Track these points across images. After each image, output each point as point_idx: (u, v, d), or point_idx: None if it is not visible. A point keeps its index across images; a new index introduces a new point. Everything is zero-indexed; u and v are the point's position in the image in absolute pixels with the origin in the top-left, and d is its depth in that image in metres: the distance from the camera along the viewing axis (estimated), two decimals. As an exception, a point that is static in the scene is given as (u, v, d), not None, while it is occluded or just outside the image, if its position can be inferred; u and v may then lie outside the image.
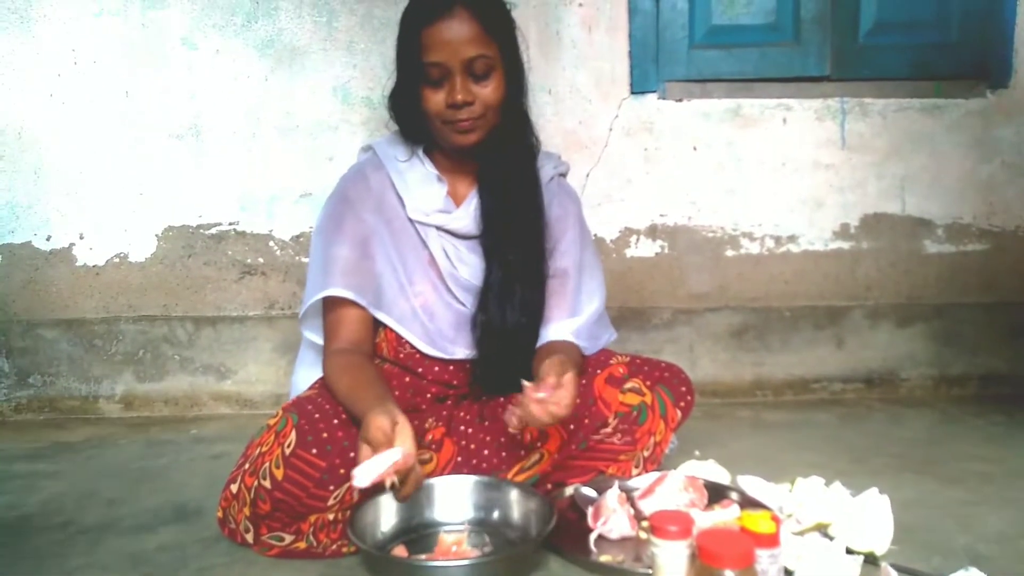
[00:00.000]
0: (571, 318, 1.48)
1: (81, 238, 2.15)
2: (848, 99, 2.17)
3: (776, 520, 0.97)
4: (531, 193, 1.47)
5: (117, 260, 2.17)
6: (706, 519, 1.20)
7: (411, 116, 1.43)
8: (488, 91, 1.36)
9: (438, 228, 1.46)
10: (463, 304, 1.47)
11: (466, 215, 1.46)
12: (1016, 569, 1.16)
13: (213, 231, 2.16)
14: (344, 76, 2.12)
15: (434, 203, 1.46)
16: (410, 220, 1.46)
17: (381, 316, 1.42)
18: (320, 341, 1.45)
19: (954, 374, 2.24)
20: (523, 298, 1.43)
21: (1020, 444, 1.76)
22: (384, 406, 1.14)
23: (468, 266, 1.47)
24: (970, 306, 2.23)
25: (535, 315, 1.45)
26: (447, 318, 1.46)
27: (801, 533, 1.22)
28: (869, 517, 1.20)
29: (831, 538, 1.19)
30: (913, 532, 1.26)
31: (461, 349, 1.46)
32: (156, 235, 2.16)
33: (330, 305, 1.41)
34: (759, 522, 0.96)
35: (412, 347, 1.45)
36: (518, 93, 1.44)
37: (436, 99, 1.36)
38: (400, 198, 1.46)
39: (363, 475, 1.06)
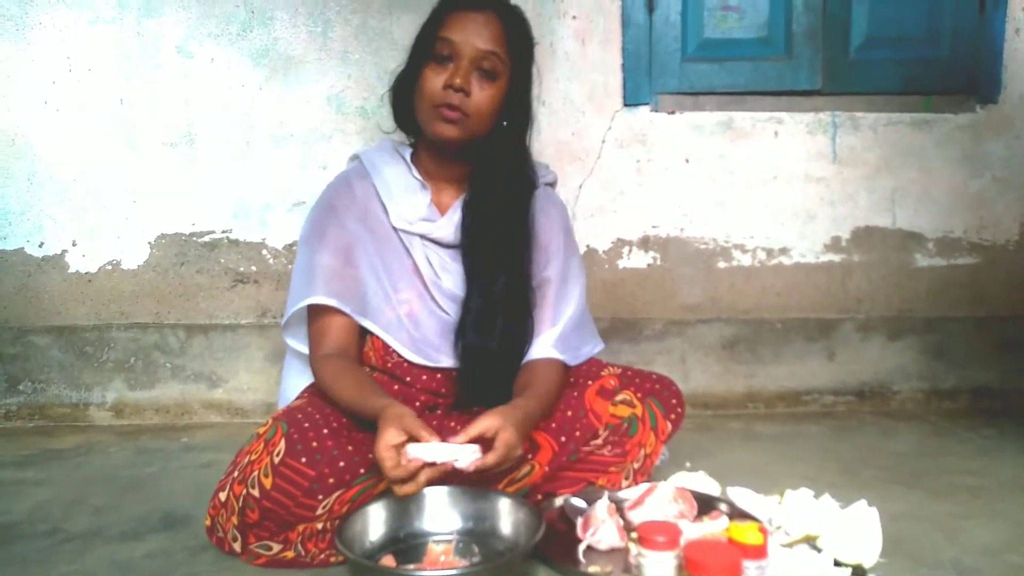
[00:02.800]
0: (552, 328, 1.47)
1: (74, 245, 2.15)
2: (839, 113, 2.19)
3: (764, 532, 0.98)
4: (520, 222, 1.47)
5: (109, 267, 2.16)
6: (695, 530, 1.20)
7: (406, 103, 1.44)
8: (486, 95, 1.37)
9: (422, 237, 1.47)
10: (447, 313, 1.47)
11: (449, 224, 1.47)
12: (1003, 582, 1.17)
13: (206, 239, 2.16)
14: (338, 86, 2.13)
15: (417, 211, 1.46)
16: (394, 228, 1.46)
17: (367, 324, 1.42)
18: (303, 349, 1.46)
19: (945, 387, 2.25)
20: (505, 326, 1.42)
21: (1010, 458, 1.77)
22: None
23: (451, 275, 1.47)
24: (961, 319, 2.25)
25: (517, 342, 1.44)
26: (432, 326, 1.46)
27: (789, 545, 1.22)
28: (858, 529, 1.21)
29: (819, 550, 1.19)
30: (901, 545, 1.26)
31: (446, 358, 1.46)
32: (149, 242, 2.16)
33: (315, 313, 1.42)
34: (747, 533, 0.97)
35: (399, 356, 1.45)
36: (523, 122, 1.45)
37: (435, 79, 1.36)
38: (384, 207, 1.46)
39: (429, 454, 1.12)
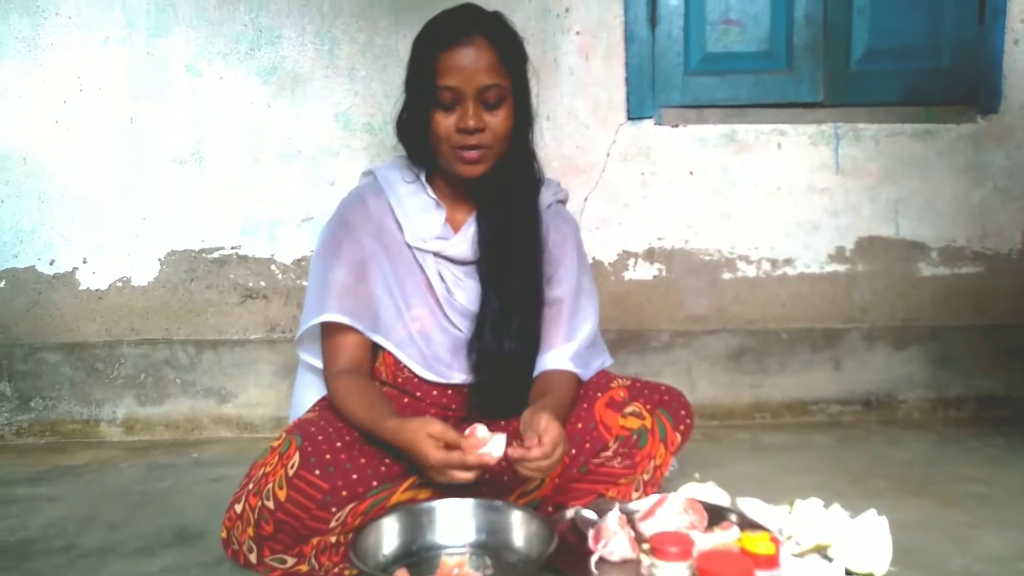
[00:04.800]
0: (567, 343, 1.49)
1: (84, 262, 2.17)
2: (841, 124, 2.21)
3: (776, 542, 0.99)
4: (530, 223, 1.49)
5: (120, 284, 2.18)
6: (706, 541, 1.21)
7: (418, 139, 1.45)
8: (498, 121, 1.38)
9: (435, 254, 1.48)
10: (459, 329, 1.48)
11: (463, 241, 1.48)
12: (1014, 590, 1.18)
13: (215, 255, 2.18)
14: (345, 103, 2.15)
15: (432, 229, 1.48)
16: (408, 245, 1.48)
17: (379, 340, 1.44)
18: (316, 363, 1.48)
19: (951, 396, 2.25)
20: (519, 327, 1.45)
21: (1018, 466, 1.77)
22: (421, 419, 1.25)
23: (465, 291, 1.49)
24: (965, 328, 2.25)
25: (531, 343, 1.47)
26: (443, 343, 1.48)
27: (801, 555, 1.23)
28: (868, 538, 1.21)
29: (830, 559, 1.20)
30: (911, 553, 1.27)
31: (458, 374, 1.47)
32: (159, 259, 2.18)
33: (328, 329, 1.43)
34: (759, 544, 0.98)
35: (410, 371, 1.47)
36: (525, 125, 1.47)
37: (447, 123, 1.37)
38: (399, 223, 1.48)
39: (495, 448, 1.18)
